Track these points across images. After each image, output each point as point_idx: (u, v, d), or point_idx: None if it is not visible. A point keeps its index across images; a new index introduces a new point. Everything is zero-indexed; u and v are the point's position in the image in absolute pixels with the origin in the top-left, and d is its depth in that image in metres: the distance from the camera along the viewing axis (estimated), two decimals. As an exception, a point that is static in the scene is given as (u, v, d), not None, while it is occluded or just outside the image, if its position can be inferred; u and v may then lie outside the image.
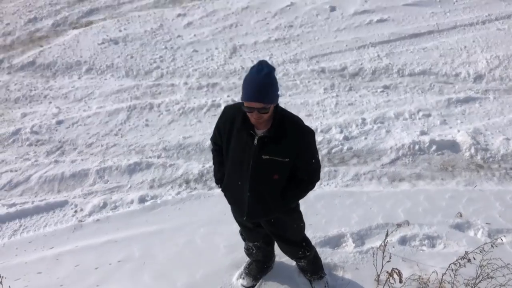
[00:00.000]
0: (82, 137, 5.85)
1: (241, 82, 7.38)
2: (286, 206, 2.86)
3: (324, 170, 5.27)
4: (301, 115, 6.26)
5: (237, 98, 6.53)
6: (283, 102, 6.45)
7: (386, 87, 6.97)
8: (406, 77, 7.18)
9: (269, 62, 7.77)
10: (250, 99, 2.39)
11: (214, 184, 5.02)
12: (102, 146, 5.70)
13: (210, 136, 6.34)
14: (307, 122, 6.66)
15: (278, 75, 7.13)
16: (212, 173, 5.15)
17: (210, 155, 5.50)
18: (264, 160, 2.64)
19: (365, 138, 5.81)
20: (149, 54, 7.64)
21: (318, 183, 5.34)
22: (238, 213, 2.99)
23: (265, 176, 2.71)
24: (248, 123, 2.62)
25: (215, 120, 5.90)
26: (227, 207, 3.21)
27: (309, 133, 2.67)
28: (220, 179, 3.04)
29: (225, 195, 3.06)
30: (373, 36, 8.17)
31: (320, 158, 4.99)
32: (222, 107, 6.44)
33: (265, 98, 2.40)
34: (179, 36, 8.10)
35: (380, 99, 6.66)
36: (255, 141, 2.64)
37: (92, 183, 5.14)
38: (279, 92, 2.62)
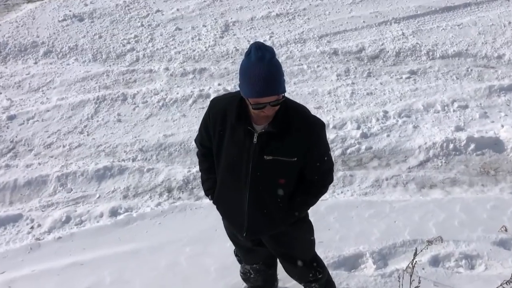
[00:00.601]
0: (40, 135, 5.83)
1: (234, 67, 7.46)
2: (295, 216, 2.84)
3: (338, 175, 5.25)
4: (309, 108, 6.24)
5: (230, 87, 6.53)
6: (287, 91, 6.44)
7: (413, 73, 6.96)
8: (438, 60, 7.18)
9: (269, 43, 7.80)
10: (261, 95, 2.39)
11: (202, 193, 5.00)
12: (64, 146, 5.68)
13: (195, 133, 6.39)
14: (316, 115, 6.68)
15: (281, 58, 7.13)
16: (200, 180, 5.14)
17: (196, 157, 5.49)
18: (267, 161, 2.62)
19: (388, 136, 5.81)
20: (122, 33, 7.63)
21: (330, 190, 5.35)
22: (236, 229, 2.97)
23: (269, 181, 2.70)
24: (244, 118, 2.63)
25: (201, 115, 5.80)
26: (219, 221, 3.18)
27: (320, 126, 2.65)
28: (211, 189, 3.00)
29: (218, 209, 3.03)
30: (396, 10, 8.17)
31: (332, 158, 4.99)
32: (212, 97, 6.44)
33: (278, 88, 2.41)
34: (158, 11, 8.09)
35: (405, 87, 6.65)
36: (255, 139, 2.62)
37: (52, 193, 5.11)
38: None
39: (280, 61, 7.22)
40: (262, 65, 2.38)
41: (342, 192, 5.12)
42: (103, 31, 7.61)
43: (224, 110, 2.69)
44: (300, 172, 2.74)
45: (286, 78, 6.83)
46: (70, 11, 7.86)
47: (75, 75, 6.80)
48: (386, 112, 6.14)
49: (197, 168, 5.28)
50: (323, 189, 2.82)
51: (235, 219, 2.94)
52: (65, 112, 6.17)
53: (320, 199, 2.93)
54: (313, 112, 6.27)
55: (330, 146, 5.69)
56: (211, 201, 3.07)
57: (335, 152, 5.59)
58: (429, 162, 5.50)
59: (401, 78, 6.87)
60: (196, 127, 5.91)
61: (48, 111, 6.17)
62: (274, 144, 2.61)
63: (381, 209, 4.80)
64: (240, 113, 2.61)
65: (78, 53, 7.24)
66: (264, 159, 2.62)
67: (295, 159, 2.63)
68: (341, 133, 5.80)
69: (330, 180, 2.85)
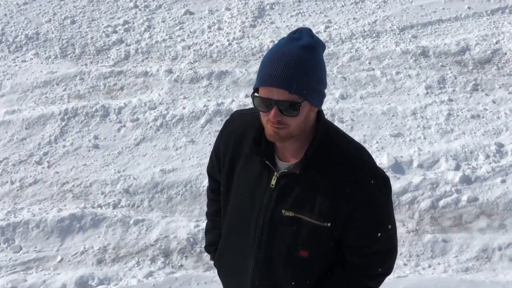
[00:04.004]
0: (-22, 165, 5.93)
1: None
2: None
3: (424, 240, 5.19)
4: (384, 136, 6.23)
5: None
6: (348, 109, 6.45)
7: (544, 86, 6.90)
8: None
9: (325, 36, 7.82)
10: (268, 82, 2.34)
11: (210, 260, 5.00)
12: (12, 183, 5.75)
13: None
14: (393, 148, 6.70)
15: (342, 59, 7.16)
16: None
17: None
18: (285, 218, 2.60)
19: (503, 182, 5.73)
20: (105, 17, 7.77)
21: (412, 262, 5.26)
22: None
23: (285, 250, 2.69)
24: (264, 145, 2.65)
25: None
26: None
27: (378, 181, 2.54)
28: (214, 243, 3.07)
29: (219, 274, 3.06)
30: (520, -9, 8.15)
31: (409, 224, 4.91)
32: (235, 117, 6.49)
33: (296, 84, 2.34)
34: (160, -15, 8.23)
35: (532, 109, 6.58)
36: (273, 181, 2.62)
37: (-9, 252, 5.16)
38: (326, 90, 2.57)
39: (340, 64, 7.28)
40: (290, 46, 2.37)
41: (430, 266, 5.04)
42: (78, 13, 7.76)
43: (242, 130, 2.66)
44: (337, 247, 2.73)
45: (349, 88, 6.82)
46: (30, -17, 8.08)
47: (34, 77, 6.91)
48: (501, 145, 6.07)
49: (209, 221, 5.29)
50: (369, 282, 2.77)
51: None
52: (17, 131, 6.26)
53: (394, 275, 2.88)
54: (389, 142, 6.30)
55: (412, 195, 5.66)
56: (212, 261, 3.11)
57: (421, 205, 5.53)
58: None
59: (526, 94, 6.81)
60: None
61: (-8, 129, 6.29)
62: (299, 194, 2.57)
63: (491, 295, 4.72)
64: (259, 136, 2.60)
65: (39, 45, 7.38)
66: (282, 214, 2.58)
67: (329, 224, 2.55)
68: (431, 175, 5.74)
69: (386, 269, 2.74)
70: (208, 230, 3.12)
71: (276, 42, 7.86)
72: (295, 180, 2.57)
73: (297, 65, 2.39)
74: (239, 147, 2.69)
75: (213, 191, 3.04)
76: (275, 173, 2.59)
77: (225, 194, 2.80)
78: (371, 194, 2.57)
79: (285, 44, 2.44)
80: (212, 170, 2.96)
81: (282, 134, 2.44)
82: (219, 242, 2.99)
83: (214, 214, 3.05)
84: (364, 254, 2.67)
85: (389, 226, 2.66)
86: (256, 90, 2.45)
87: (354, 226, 2.59)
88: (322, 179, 2.54)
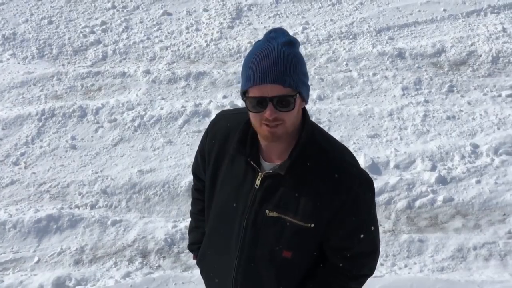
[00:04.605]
0: (-46, 166, 5.90)
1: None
2: None
3: (401, 240, 5.22)
4: (360, 135, 6.26)
5: (241, 102, 6.55)
6: (325, 110, 6.48)
7: (518, 88, 6.97)
8: (557, 69, 7.18)
9: (302, 37, 7.84)
10: (261, 80, 2.39)
11: (194, 260, 5.00)
12: (-11, 183, 5.74)
13: (187, 170, 6.27)
14: (370, 149, 6.73)
15: (319, 60, 7.18)
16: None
17: (187, 205, 5.49)
18: (269, 219, 2.59)
19: (478, 182, 5.78)
20: (83, 17, 7.74)
21: (389, 262, 5.29)
22: None
23: (268, 251, 2.68)
24: (250, 145, 2.63)
25: (197, 142, 5.81)
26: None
27: (361, 183, 2.61)
28: (197, 242, 3.08)
29: (201, 273, 3.07)
30: (495, -6, 8.22)
31: (386, 224, 4.95)
32: (213, 116, 6.44)
33: (288, 77, 2.41)
34: (137, -15, 8.22)
35: (506, 110, 6.63)
36: (257, 181, 2.63)
37: (-32, 252, 5.14)
38: (310, 84, 2.59)
39: (317, 65, 7.30)
40: (271, 45, 2.40)
41: (406, 266, 5.08)
42: (55, 13, 7.73)
43: (227, 130, 2.68)
44: (320, 248, 2.70)
45: (327, 89, 6.85)
46: (7, -17, 8.03)
47: (11, 77, 6.88)
48: (476, 146, 6.11)
49: (187, 222, 5.29)
50: (351, 283, 2.77)
51: None
52: (-6, 132, 6.25)
53: (374, 275, 2.89)
54: (366, 143, 6.32)
55: (389, 196, 5.68)
56: (195, 260, 3.12)
57: (397, 205, 5.56)
58: (541, 224, 5.47)
59: (500, 96, 6.85)
60: (188, 159, 5.93)
61: (-32, 129, 6.25)
62: (283, 195, 2.59)
63: (466, 294, 4.76)
64: (245, 137, 2.61)
65: (16, 45, 7.34)
66: (265, 215, 2.59)
67: (312, 225, 2.56)
68: (407, 176, 5.77)
69: (368, 270, 2.74)
70: (191, 229, 3.12)
71: (253, 43, 7.86)
72: (280, 181, 2.58)
73: (284, 60, 2.42)
74: (224, 147, 2.69)
75: (198, 191, 3.05)
76: (259, 174, 2.60)
77: (210, 194, 2.81)
78: (354, 196, 2.58)
79: (265, 43, 2.47)
80: (197, 169, 2.97)
81: (279, 133, 2.46)
82: (202, 241, 3.00)
83: (198, 213, 3.05)
84: (347, 255, 2.68)
85: (372, 228, 2.67)
86: (245, 92, 2.46)
87: (337, 228, 2.60)
88: (306, 180, 2.56)
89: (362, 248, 2.68)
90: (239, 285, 2.79)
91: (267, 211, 2.60)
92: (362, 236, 2.64)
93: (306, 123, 2.57)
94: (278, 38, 2.48)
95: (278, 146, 2.56)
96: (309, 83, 2.60)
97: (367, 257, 2.73)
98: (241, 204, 2.64)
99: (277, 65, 2.41)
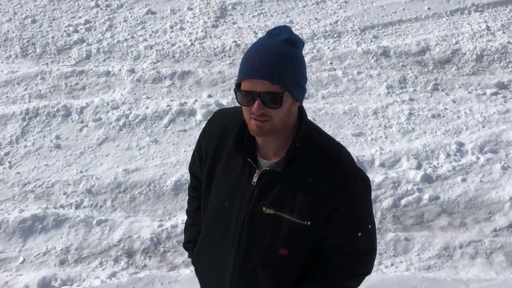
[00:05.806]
0: None
1: (233, 70, 7.46)
2: None
3: (387, 238, 5.23)
4: (345, 134, 6.27)
5: (227, 100, 6.56)
6: (310, 108, 6.48)
7: (502, 86, 6.97)
8: (540, 68, 7.22)
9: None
10: (250, 73, 2.43)
11: (179, 259, 5.04)
12: (-27, 183, 5.70)
13: (172, 169, 6.30)
14: (355, 147, 6.72)
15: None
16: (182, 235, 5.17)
17: (172, 204, 5.48)
18: (266, 216, 2.59)
19: (463, 180, 5.79)
20: (66, 16, 7.70)
21: (375, 260, 5.30)
22: None
23: (264, 248, 2.68)
24: (247, 142, 2.63)
25: (182, 141, 5.79)
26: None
27: (357, 181, 2.62)
28: (192, 241, 3.07)
29: (196, 272, 3.06)
30: (478, -8, 8.25)
31: (376, 223, 4.94)
32: (199, 115, 6.43)
33: (278, 75, 2.41)
34: (122, -16, 8.20)
35: (491, 108, 6.66)
36: (255, 178, 2.63)
37: (-48, 253, 5.10)
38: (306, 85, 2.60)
39: (302, 63, 7.30)
40: (271, 41, 2.41)
41: (392, 265, 5.09)
42: (38, 12, 7.69)
43: (224, 128, 2.68)
44: (317, 246, 2.69)
45: (311, 89, 6.86)
46: (-10, -19, 7.99)
47: (-6, 76, 6.85)
48: (461, 144, 6.13)
49: (173, 221, 5.29)
50: (350, 281, 2.77)
51: None
52: (-23, 131, 6.21)
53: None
54: (351, 141, 6.33)
55: (374, 194, 5.69)
56: (190, 258, 3.12)
57: (383, 203, 5.57)
58: (526, 221, 5.49)
59: (485, 94, 6.88)
60: (174, 158, 5.92)
61: (-48, 129, 6.21)
62: (280, 192, 2.59)
63: (452, 291, 4.77)
64: (242, 134, 2.62)
65: None
66: (262, 212, 2.59)
67: (309, 223, 2.56)
68: (392, 174, 5.79)
69: (365, 269, 2.75)
70: (187, 227, 3.13)
71: (238, 43, 7.88)
72: (277, 178, 2.59)
73: (278, 57, 2.43)
74: (221, 145, 2.70)
75: (194, 189, 3.05)
76: (256, 171, 2.61)
77: (206, 191, 2.81)
78: (351, 194, 2.59)
79: (266, 39, 2.49)
80: (194, 167, 2.97)
81: (266, 128, 2.47)
82: (197, 239, 3.00)
83: (194, 211, 3.06)
84: (344, 253, 2.69)
85: (369, 226, 2.69)
86: (238, 85, 2.47)
87: (334, 226, 2.61)
88: (303, 178, 2.56)
89: (359, 246, 2.69)
90: (235, 282, 2.79)
91: (263, 208, 2.61)
92: (359, 234, 2.66)
93: (303, 121, 2.58)
94: (280, 35, 2.50)
95: (275, 143, 2.58)
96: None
97: (364, 255, 2.74)
98: (238, 201, 2.65)
99: (270, 61, 2.43)
